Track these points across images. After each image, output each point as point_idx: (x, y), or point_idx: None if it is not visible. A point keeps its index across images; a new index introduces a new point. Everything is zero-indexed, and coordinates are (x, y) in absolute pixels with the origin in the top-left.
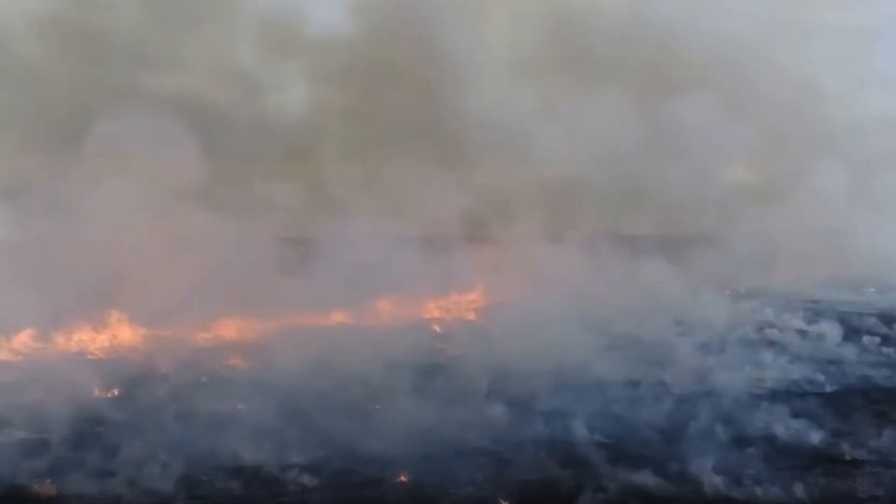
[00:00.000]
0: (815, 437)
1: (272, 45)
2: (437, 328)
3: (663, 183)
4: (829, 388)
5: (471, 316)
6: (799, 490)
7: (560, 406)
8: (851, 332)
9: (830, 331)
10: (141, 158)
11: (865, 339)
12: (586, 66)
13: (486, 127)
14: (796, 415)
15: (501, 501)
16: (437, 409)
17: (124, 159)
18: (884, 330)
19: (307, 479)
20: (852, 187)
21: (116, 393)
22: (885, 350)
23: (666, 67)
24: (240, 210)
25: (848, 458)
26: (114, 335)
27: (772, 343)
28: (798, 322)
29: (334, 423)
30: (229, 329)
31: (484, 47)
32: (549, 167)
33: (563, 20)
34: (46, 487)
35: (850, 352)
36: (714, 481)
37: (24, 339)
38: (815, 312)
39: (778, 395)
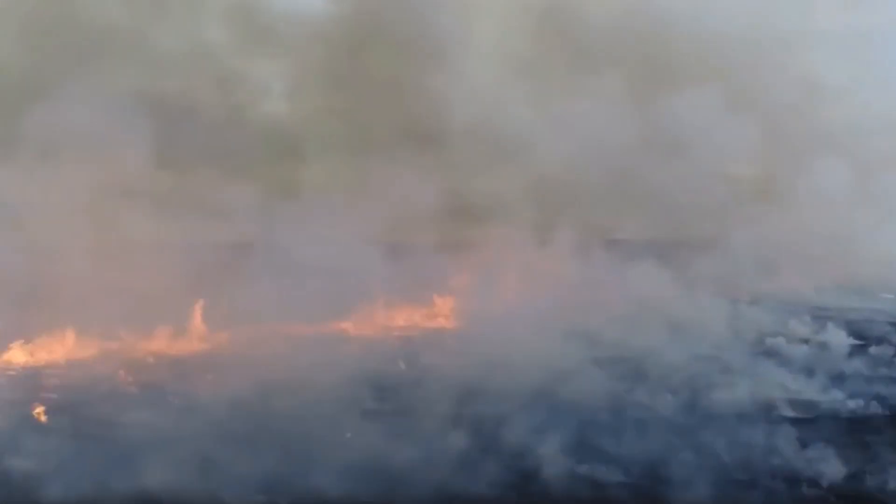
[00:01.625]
0: (830, 468)
1: (249, 36)
2: (409, 340)
3: (660, 184)
4: (844, 409)
5: (449, 327)
6: None
7: (542, 431)
8: (865, 342)
9: (842, 341)
10: (87, 155)
11: (881, 350)
12: (579, 62)
13: (473, 124)
14: (809, 442)
15: None
16: (399, 435)
17: (73, 156)
18: None
19: None
20: (864, 189)
21: (40, 412)
22: None
23: (662, 64)
24: (205, 213)
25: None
26: (47, 347)
27: (779, 355)
28: (806, 331)
29: (280, 453)
30: (182, 341)
31: (472, 41)
32: (539, 167)
33: (555, 12)
34: None
35: (864, 366)
36: None
37: None
38: (827, 320)
39: (788, 419)
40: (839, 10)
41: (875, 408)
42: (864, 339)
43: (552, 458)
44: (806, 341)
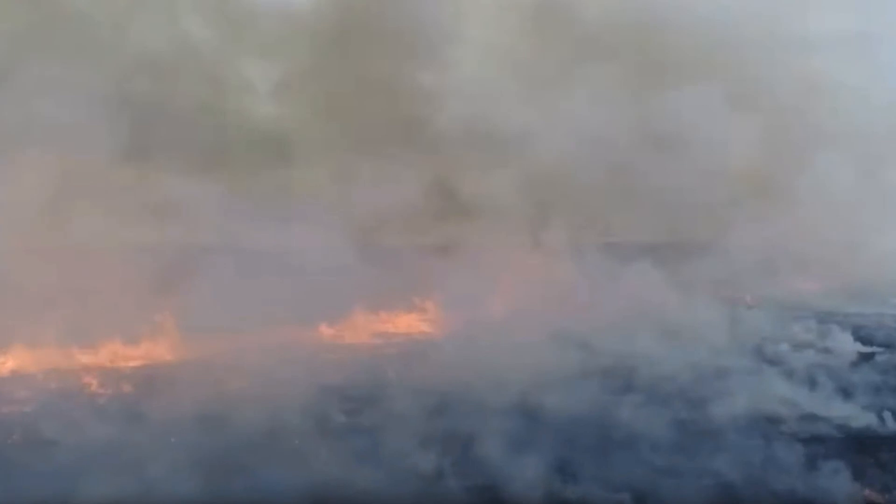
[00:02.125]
0: (847, 492)
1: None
2: (391, 348)
3: (658, 184)
4: (856, 423)
5: (433, 333)
6: None
7: (527, 449)
8: (874, 349)
9: (849, 348)
10: (61, 156)
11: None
12: (574, 57)
13: (463, 121)
14: (821, 462)
15: None
16: (372, 452)
17: (48, 158)
18: None
19: None
20: (871, 189)
21: None
22: None
23: (659, 60)
24: (184, 216)
25: None
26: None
27: (782, 363)
28: (811, 337)
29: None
30: (152, 349)
31: (464, 35)
32: (533, 165)
33: (550, 5)
34: None
35: (873, 374)
36: None
37: None
38: (832, 325)
39: (796, 435)
40: (841, 10)
41: (890, 422)
42: (872, 344)
43: (538, 478)
44: (811, 347)
